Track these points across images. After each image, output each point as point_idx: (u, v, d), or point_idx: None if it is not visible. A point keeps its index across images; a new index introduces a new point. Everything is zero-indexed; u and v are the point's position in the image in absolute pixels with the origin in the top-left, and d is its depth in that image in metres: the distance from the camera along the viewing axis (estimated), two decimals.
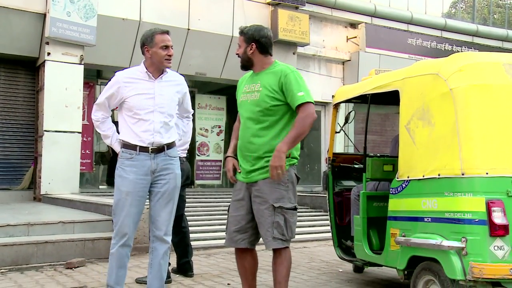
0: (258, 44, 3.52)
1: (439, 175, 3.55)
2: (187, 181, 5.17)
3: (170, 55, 3.64)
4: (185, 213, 5.30)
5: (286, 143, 3.30)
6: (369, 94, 4.62)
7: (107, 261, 5.69)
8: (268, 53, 3.57)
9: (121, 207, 3.60)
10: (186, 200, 5.32)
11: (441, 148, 3.58)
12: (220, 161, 12.48)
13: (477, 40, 15.11)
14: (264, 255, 5.35)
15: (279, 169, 3.27)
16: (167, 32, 3.69)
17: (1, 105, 9.48)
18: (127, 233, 3.62)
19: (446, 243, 3.42)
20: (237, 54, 3.62)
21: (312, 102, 3.37)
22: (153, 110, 3.58)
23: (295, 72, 3.47)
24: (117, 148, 3.68)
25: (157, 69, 3.67)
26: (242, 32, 3.59)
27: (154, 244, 3.72)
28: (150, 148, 3.59)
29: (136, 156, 3.58)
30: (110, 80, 3.73)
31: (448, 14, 15.61)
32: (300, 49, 11.88)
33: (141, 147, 3.58)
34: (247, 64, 3.59)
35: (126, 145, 3.62)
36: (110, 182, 9.96)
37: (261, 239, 3.54)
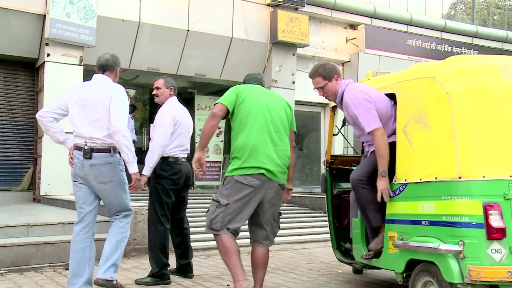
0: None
1: (436, 178, 3.56)
2: (188, 182, 5.19)
3: None
4: (185, 214, 5.32)
5: None
6: None
7: None
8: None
9: None
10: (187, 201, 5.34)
11: (438, 151, 3.59)
12: (220, 162, 12.50)
13: (477, 41, 15.12)
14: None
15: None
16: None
17: (1, 106, 9.48)
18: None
19: (443, 246, 3.43)
20: None
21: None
22: None
23: None
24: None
25: None
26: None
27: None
28: None
29: None
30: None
31: (448, 15, 15.61)
32: (299, 50, 11.89)
33: None
34: None
35: None
36: None
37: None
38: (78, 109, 4.18)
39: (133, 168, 4.18)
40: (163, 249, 4.89)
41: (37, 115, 4.25)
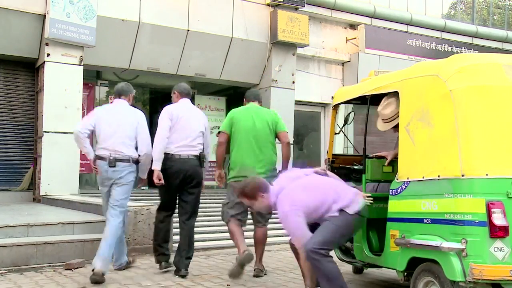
0: None
1: (439, 176, 3.55)
2: (188, 180, 5.23)
3: None
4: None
5: None
6: (368, 95, 4.62)
7: None
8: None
9: None
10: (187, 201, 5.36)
11: (441, 149, 3.58)
12: None
13: (477, 41, 15.09)
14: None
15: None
16: None
17: (1, 106, 9.46)
18: None
19: (446, 244, 3.42)
20: None
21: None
22: None
23: None
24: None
25: None
26: None
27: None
28: None
29: None
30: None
31: (448, 15, 15.60)
32: (299, 50, 11.87)
33: None
34: None
35: None
36: None
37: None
38: (107, 127, 5.02)
39: (145, 175, 5.27)
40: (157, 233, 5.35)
41: (77, 132, 4.98)
